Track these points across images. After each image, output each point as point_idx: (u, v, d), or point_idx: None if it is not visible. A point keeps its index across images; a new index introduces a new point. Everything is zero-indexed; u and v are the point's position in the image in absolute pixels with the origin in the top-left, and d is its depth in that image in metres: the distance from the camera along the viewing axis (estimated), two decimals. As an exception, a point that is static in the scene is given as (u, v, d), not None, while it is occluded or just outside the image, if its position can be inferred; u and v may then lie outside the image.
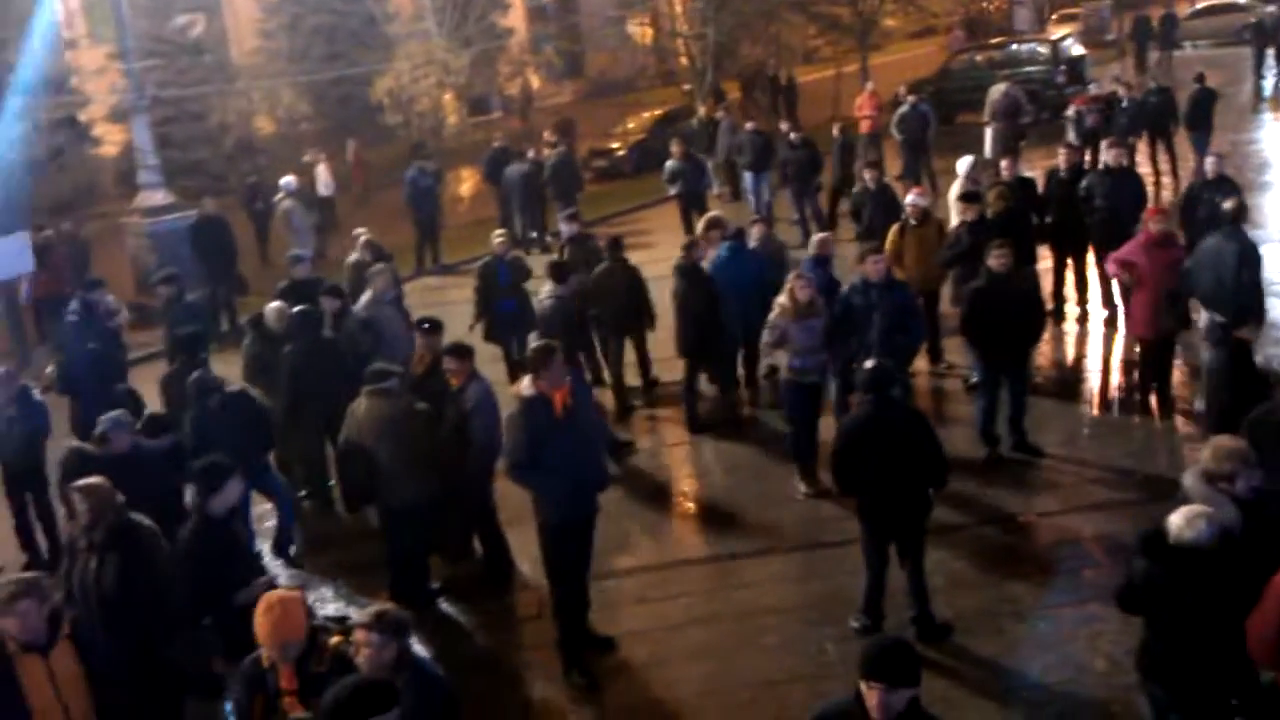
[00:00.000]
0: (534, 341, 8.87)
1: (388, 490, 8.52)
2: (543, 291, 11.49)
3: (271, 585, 6.26)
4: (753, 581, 8.84)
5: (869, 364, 7.76)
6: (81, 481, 7.22)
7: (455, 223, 21.74)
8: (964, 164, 13.87)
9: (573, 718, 7.50)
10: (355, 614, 5.26)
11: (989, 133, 20.40)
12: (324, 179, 21.29)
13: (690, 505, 10.38)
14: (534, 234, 20.06)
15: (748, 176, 19.67)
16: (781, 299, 9.78)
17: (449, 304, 15.15)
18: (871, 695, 4.32)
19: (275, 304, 11.12)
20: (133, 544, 6.72)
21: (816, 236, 11.94)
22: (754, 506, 9.96)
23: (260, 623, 5.23)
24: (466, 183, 25.60)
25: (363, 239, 13.80)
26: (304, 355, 10.30)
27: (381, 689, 4.43)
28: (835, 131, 19.57)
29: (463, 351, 9.24)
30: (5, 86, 18.12)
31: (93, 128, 27.99)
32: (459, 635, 8.58)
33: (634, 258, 17.22)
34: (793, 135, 18.26)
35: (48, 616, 5.51)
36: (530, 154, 20.70)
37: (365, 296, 11.47)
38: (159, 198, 18.75)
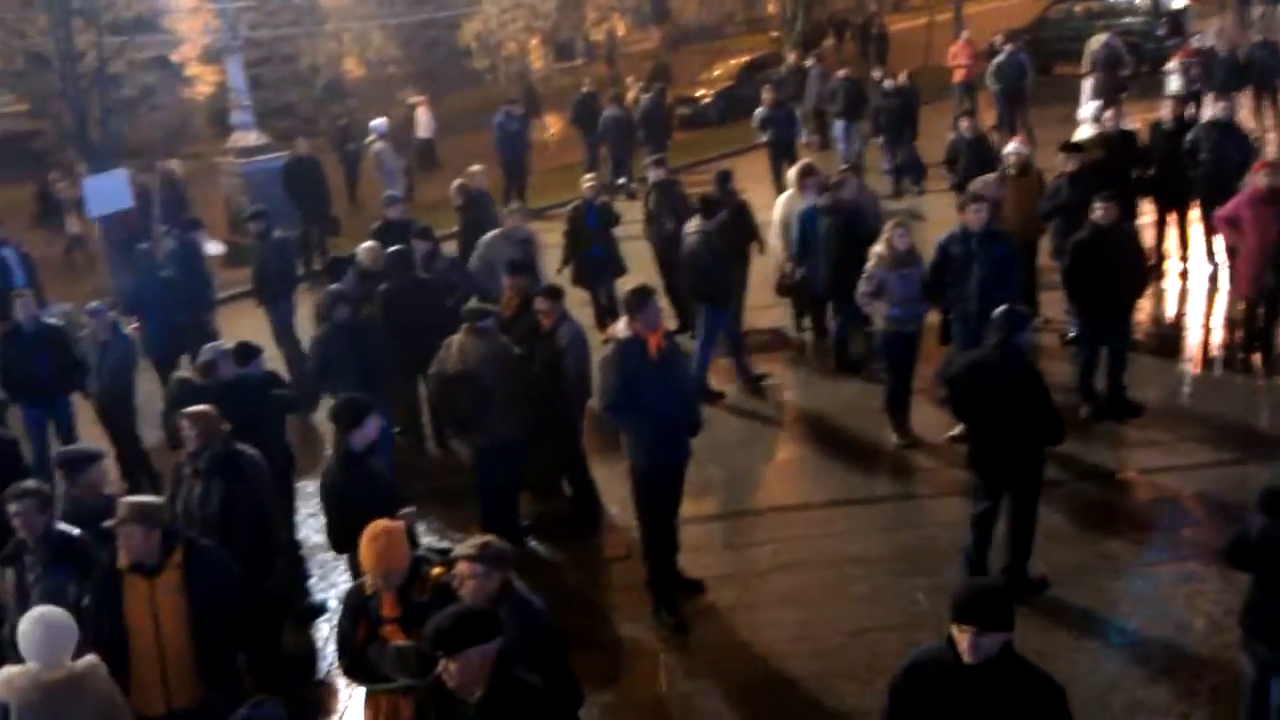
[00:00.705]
0: (629, 284, 8.83)
1: (481, 426, 8.60)
2: (689, 225, 11.21)
3: (415, 518, 6.33)
4: (841, 531, 8.79)
5: (1003, 307, 7.60)
6: (190, 409, 7.38)
7: (540, 167, 21.74)
8: (1088, 110, 13.53)
9: (662, 657, 7.54)
10: (457, 546, 5.30)
11: (1087, 84, 19.82)
12: (424, 121, 21.36)
13: (779, 453, 10.35)
14: (621, 180, 19.99)
15: (838, 125, 19.38)
16: (879, 248, 9.64)
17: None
18: (963, 638, 4.26)
19: (369, 243, 11.23)
20: (237, 471, 6.86)
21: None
22: (844, 456, 9.90)
23: (366, 551, 5.31)
24: (552, 128, 25.53)
25: (456, 183, 13.84)
26: (398, 293, 10.41)
27: (485, 618, 4.47)
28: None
29: (554, 292, 9.34)
30: (100, 26, 18.33)
31: (185, 68, 28.34)
32: (548, 572, 8.65)
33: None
34: (887, 83, 17.92)
35: (159, 542, 5.65)
36: (621, 99, 20.58)
37: (490, 234, 11.44)
38: (252, 138, 18.97)
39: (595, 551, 9.04)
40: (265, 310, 12.91)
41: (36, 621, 5.12)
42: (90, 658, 5.24)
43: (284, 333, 12.42)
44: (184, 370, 9.92)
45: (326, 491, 6.78)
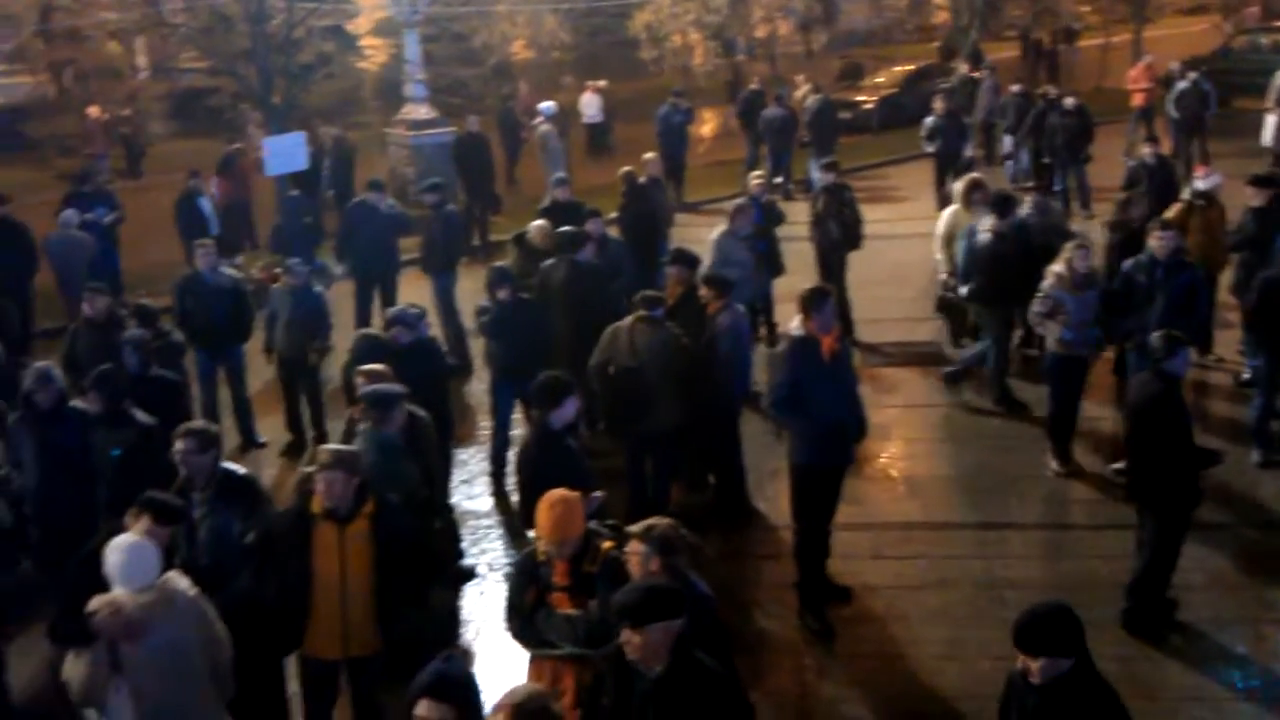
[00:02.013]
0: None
1: (644, 414, 8.64)
2: (982, 224, 10.90)
3: (601, 503, 6.42)
4: (995, 554, 8.63)
5: (1160, 331, 7.43)
6: (366, 365, 7.59)
7: (696, 162, 21.76)
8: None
9: (807, 659, 7.52)
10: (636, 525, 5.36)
11: (1270, 120, 19.05)
12: (592, 106, 21.55)
13: (934, 469, 10.17)
14: (778, 179, 19.90)
15: (1007, 140, 18.97)
16: (1058, 268, 9.41)
17: (691, 243, 15.18)
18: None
19: (539, 222, 11.39)
20: (409, 430, 7.02)
21: None
22: (1000, 478, 9.71)
23: (543, 517, 5.41)
24: (709, 123, 25.54)
25: (623, 170, 13.91)
26: (563, 274, 10.52)
27: (672, 595, 4.53)
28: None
29: (719, 281, 9.37)
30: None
31: (358, 39, 29.03)
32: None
33: (885, 214, 17.08)
34: (1066, 101, 17.46)
35: (354, 491, 5.81)
36: (783, 99, 20.44)
37: (719, 229, 11.47)
38: (423, 112, 19.37)
39: (742, 547, 9.04)
40: (430, 280, 13.22)
41: (120, 549, 5.25)
42: (171, 573, 5.39)
43: (445, 303, 12.69)
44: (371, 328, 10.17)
45: (522, 467, 6.91)
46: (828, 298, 7.62)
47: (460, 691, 4.22)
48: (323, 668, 6.03)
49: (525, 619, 5.53)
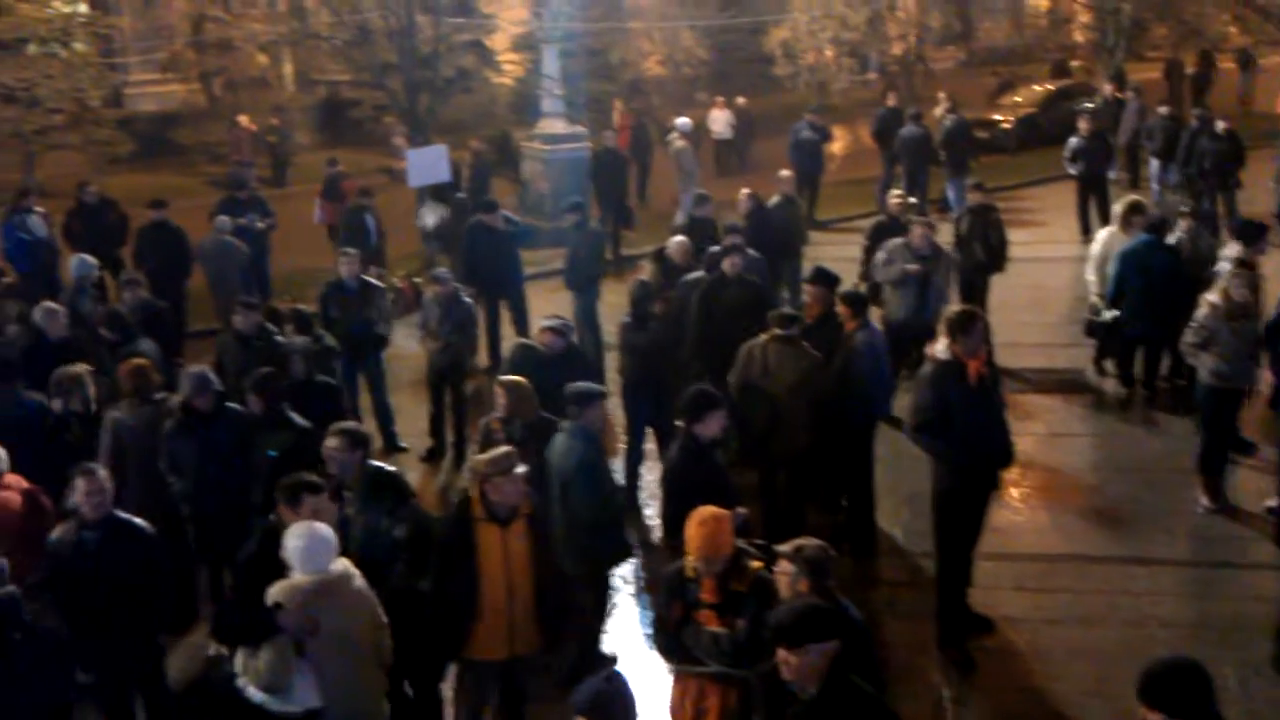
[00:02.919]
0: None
1: (775, 434, 8.61)
2: (1226, 251, 10.60)
3: (748, 519, 6.45)
4: (1142, 590, 8.37)
5: None
6: (506, 377, 7.72)
7: (828, 179, 21.60)
8: None
9: (945, 691, 7.38)
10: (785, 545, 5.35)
11: None
12: (721, 121, 21.60)
13: (1079, 500, 9.88)
14: (913, 200, 19.61)
15: (1153, 164, 18.44)
16: (1213, 298, 9.11)
17: (824, 261, 15.09)
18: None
19: (678, 238, 11.44)
20: (547, 440, 7.12)
21: None
22: (1147, 511, 9.42)
23: (693, 533, 5.43)
24: (840, 141, 25.33)
25: (744, 191, 13.83)
26: (707, 290, 10.53)
27: (829, 616, 4.51)
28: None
29: (856, 299, 9.30)
30: (439, 6, 19.42)
31: (495, 54, 29.60)
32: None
33: (1024, 237, 16.71)
34: (1219, 125, 16.90)
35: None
36: (920, 117, 20.16)
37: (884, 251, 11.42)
38: (559, 126, 19.61)
39: (875, 573, 8.92)
40: (573, 296, 13.35)
41: (299, 534, 5.48)
42: (343, 561, 5.57)
43: (587, 319, 12.77)
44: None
45: (668, 480, 6.95)
46: (976, 321, 7.48)
47: (622, 711, 4.30)
48: (487, 669, 6.21)
49: (672, 634, 5.56)
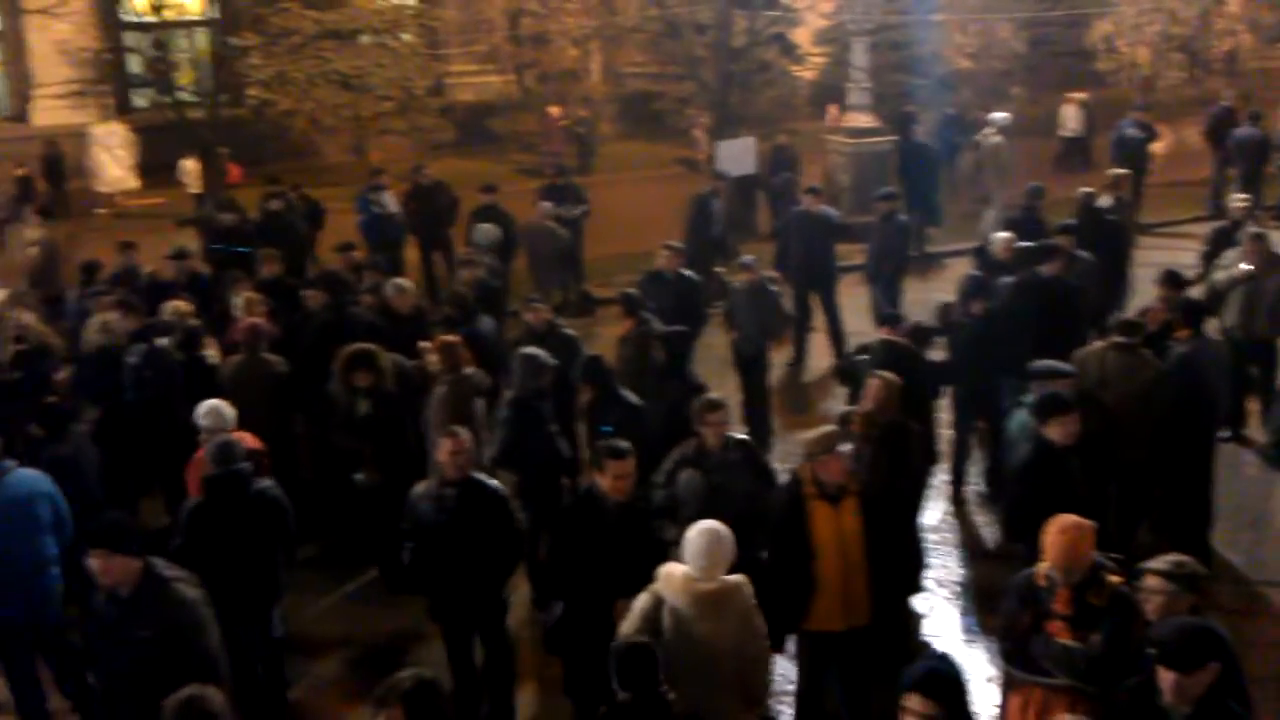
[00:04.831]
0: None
1: (1114, 447, 8.20)
2: None
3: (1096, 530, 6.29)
4: None
5: None
6: (880, 373, 7.72)
7: (1151, 181, 20.41)
8: None
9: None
10: (1153, 561, 5.12)
11: None
12: (1075, 118, 20.92)
13: None
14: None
15: None
16: None
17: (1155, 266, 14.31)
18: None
19: (1003, 234, 11.14)
20: (901, 443, 7.11)
21: None
22: None
23: (1053, 541, 5.29)
24: (1166, 140, 23.89)
25: (1082, 190, 13.23)
26: (1020, 288, 10.21)
27: (1215, 638, 4.42)
28: None
29: (1191, 307, 8.86)
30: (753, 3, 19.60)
31: (798, 47, 29.51)
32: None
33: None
34: None
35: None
36: (1258, 118, 18.77)
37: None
38: (864, 120, 19.39)
39: (1210, 599, 8.31)
40: (871, 288, 13.22)
41: (702, 531, 5.52)
42: (739, 577, 5.58)
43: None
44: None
45: (1017, 481, 6.83)
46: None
47: (952, 691, 4.40)
48: (823, 639, 6.35)
49: (1019, 642, 5.43)
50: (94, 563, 5.32)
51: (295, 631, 8.13)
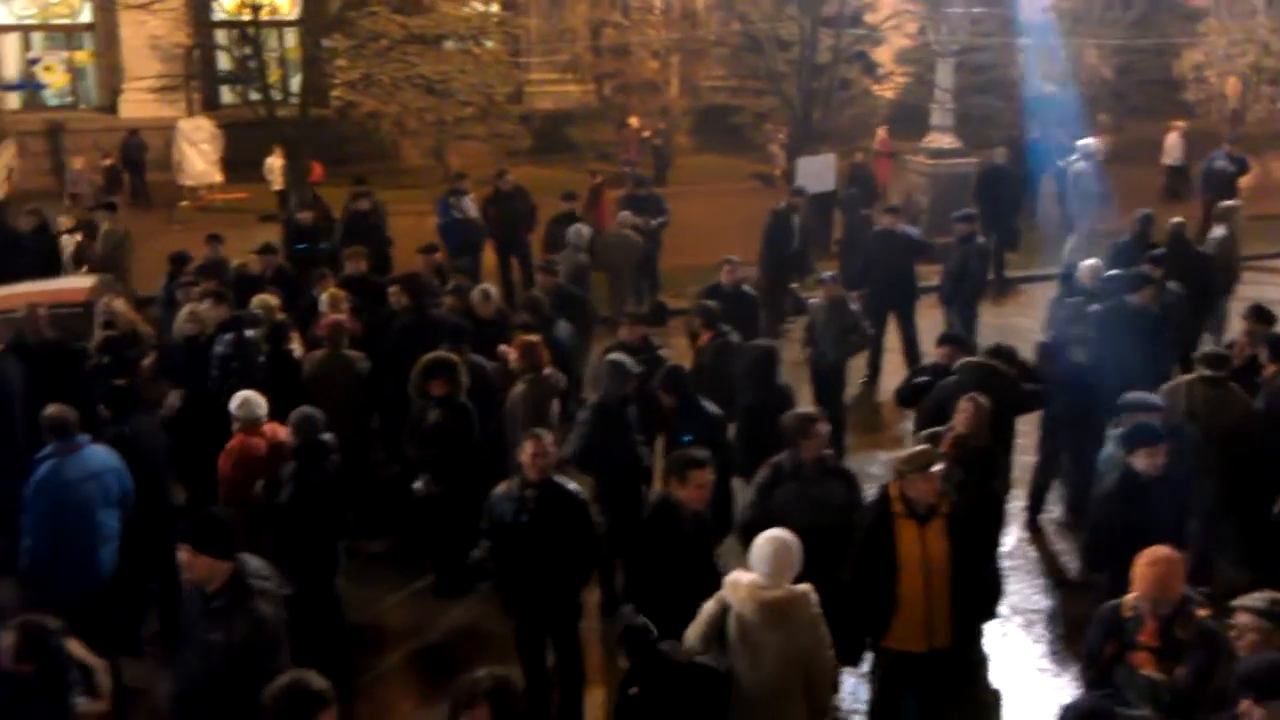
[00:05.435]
0: None
1: (1200, 481, 8.06)
2: None
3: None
4: None
5: None
6: (971, 394, 7.67)
7: (1250, 212, 19.98)
8: None
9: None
10: (1247, 598, 5.03)
11: None
12: (1175, 148, 20.73)
13: None
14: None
15: None
16: None
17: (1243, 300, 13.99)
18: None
19: (1091, 261, 11.02)
20: (989, 464, 7.06)
21: None
22: None
23: (1143, 573, 5.23)
24: (1255, 172, 23.42)
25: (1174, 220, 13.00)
26: (1105, 316, 10.09)
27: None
28: None
29: (1275, 342, 8.64)
30: (841, 20, 19.55)
31: (879, 66, 29.39)
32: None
33: None
34: None
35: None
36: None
37: None
38: (946, 140, 19.29)
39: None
40: (945, 309, 13.08)
41: (771, 539, 5.52)
42: (805, 586, 5.56)
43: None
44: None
45: (1100, 509, 6.75)
46: None
47: None
48: (904, 660, 6.28)
49: (1102, 672, 5.36)
50: (182, 555, 5.42)
51: (361, 623, 8.29)
